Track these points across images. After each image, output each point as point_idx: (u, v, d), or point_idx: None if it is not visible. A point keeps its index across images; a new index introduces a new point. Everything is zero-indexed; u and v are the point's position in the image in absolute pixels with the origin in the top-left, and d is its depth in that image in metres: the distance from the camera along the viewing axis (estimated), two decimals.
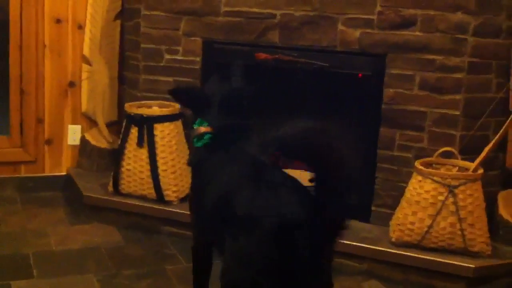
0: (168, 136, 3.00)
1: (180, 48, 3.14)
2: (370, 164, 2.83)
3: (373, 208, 2.85)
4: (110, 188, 3.09)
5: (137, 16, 3.21)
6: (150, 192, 2.99)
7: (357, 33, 2.78)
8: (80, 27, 3.48)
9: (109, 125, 3.54)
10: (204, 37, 3.08)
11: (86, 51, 3.49)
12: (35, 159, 3.52)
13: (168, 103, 3.12)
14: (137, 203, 3.01)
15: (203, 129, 1.98)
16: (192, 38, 3.10)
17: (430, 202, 2.50)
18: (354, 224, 2.82)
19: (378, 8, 2.74)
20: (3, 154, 3.47)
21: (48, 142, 3.54)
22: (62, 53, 3.48)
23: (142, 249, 2.83)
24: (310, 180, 2.91)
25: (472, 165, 2.56)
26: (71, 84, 3.53)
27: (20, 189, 3.45)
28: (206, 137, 1.97)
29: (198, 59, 3.11)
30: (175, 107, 3.07)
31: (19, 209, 3.23)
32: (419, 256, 2.53)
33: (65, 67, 3.50)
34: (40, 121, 3.49)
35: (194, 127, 2.02)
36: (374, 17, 2.75)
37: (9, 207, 3.23)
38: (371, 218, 2.85)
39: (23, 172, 3.51)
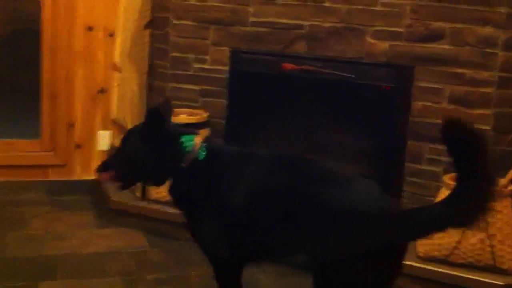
0: None
1: (208, 57, 3.05)
2: (397, 177, 2.69)
3: None
4: (138, 194, 3.00)
5: (166, 25, 3.13)
6: None
7: (384, 45, 2.66)
8: (111, 35, 3.41)
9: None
10: (232, 47, 2.98)
11: (116, 59, 3.42)
12: (65, 163, 3.45)
13: (195, 111, 3.02)
14: (163, 209, 2.91)
15: (199, 139, 1.83)
16: (220, 48, 3.01)
17: None
18: None
19: (406, 21, 2.61)
20: (33, 158, 3.41)
21: (78, 147, 3.47)
22: (93, 60, 3.42)
23: (166, 254, 2.73)
24: None
25: (502, 181, 2.41)
26: (102, 91, 3.46)
27: (49, 192, 3.37)
28: (203, 149, 1.82)
29: (225, 68, 3.01)
30: (203, 115, 2.98)
31: (47, 212, 3.15)
32: (447, 271, 2.38)
33: (96, 73, 3.44)
34: (70, 125, 3.43)
35: (187, 143, 1.82)
36: (402, 29, 2.63)
37: (36, 210, 3.15)
38: None
39: (53, 176, 3.44)
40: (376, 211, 1.59)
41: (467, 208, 1.53)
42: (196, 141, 1.83)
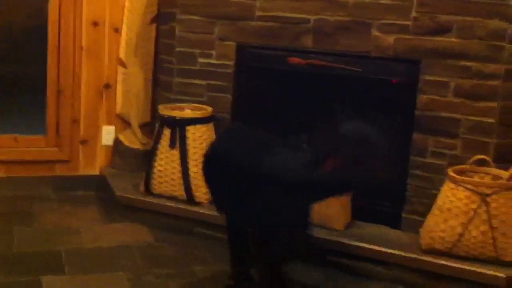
0: (200, 139, 3.05)
1: (214, 52, 3.18)
2: (402, 170, 2.82)
3: (404, 215, 2.84)
4: (142, 188, 3.15)
5: (173, 20, 3.28)
6: (181, 193, 3.04)
7: (391, 38, 2.79)
8: (117, 30, 3.56)
9: (142, 126, 3.61)
10: (238, 41, 3.12)
11: (122, 54, 3.57)
12: (70, 159, 3.61)
13: (200, 106, 3.17)
14: (168, 203, 3.06)
15: None
16: (226, 42, 3.15)
17: (462, 210, 2.49)
18: (383, 230, 2.84)
19: (414, 14, 2.74)
20: (39, 153, 3.57)
21: (83, 142, 3.63)
22: (98, 56, 3.57)
23: (173, 249, 2.87)
24: None
25: (506, 174, 2.53)
26: (107, 86, 3.61)
27: (54, 187, 3.54)
28: None
29: (231, 63, 3.15)
30: (208, 110, 3.12)
31: (53, 207, 3.31)
32: (449, 264, 2.51)
33: (101, 69, 3.59)
34: (75, 121, 3.59)
35: None
36: (410, 22, 2.75)
37: (43, 205, 3.31)
38: (401, 225, 2.84)
39: (58, 171, 3.60)
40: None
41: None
42: None
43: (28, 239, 2.87)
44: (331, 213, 2.79)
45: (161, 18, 3.52)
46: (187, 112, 3.15)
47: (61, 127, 3.58)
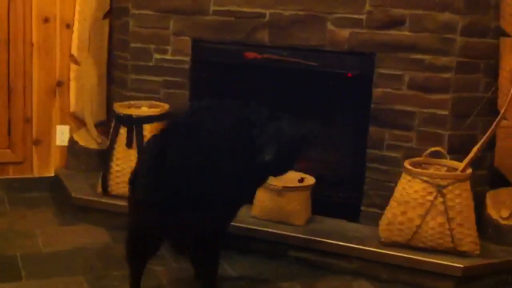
0: None
1: (169, 48, 3.16)
2: (359, 163, 2.87)
3: (362, 208, 2.89)
4: (99, 189, 3.12)
5: (126, 15, 3.24)
6: None
7: (346, 32, 2.82)
8: (68, 26, 3.50)
9: (97, 125, 3.56)
10: (193, 36, 3.11)
11: (74, 50, 3.51)
12: (23, 160, 3.54)
13: (157, 103, 3.15)
14: (125, 204, 3.02)
15: None
16: (181, 37, 3.13)
17: (419, 202, 2.55)
18: (343, 224, 2.89)
19: (367, 8, 2.78)
20: None
21: (36, 142, 3.56)
22: (50, 52, 3.50)
23: None
24: (299, 181, 2.98)
25: (460, 165, 2.60)
26: (59, 84, 3.55)
27: (8, 190, 3.46)
28: None
29: (187, 58, 3.14)
30: (164, 107, 3.10)
31: (7, 210, 3.25)
32: (408, 256, 2.57)
33: (53, 66, 3.53)
34: (28, 120, 3.52)
35: None
36: (363, 16, 2.79)
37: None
38: (360, 218, 2.89)
39: (11, 173, 3.53)
40: None
41: None
42: None
43: None
44: (291, 208, 2.82)
45: (114, 13, 3.47)
46: (144, 109, 3.13)
47: (13, 127, 3.50)
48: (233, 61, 3.06)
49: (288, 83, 3.04)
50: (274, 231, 2.78)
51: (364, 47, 2.80)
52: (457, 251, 2.56)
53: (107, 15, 3.52)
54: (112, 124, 3.12)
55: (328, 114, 3.04)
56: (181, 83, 3.16)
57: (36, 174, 3.58)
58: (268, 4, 2.94)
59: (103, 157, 3.17)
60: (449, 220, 2.52)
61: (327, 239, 2.72)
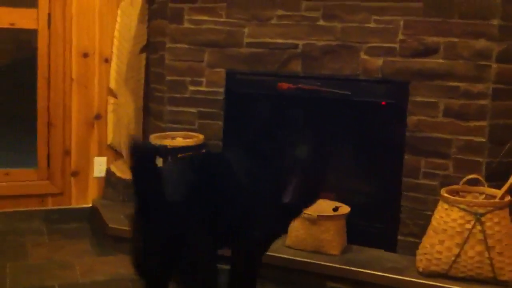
0: None
1: (204, 79, 3.24)
2: (395, 192, 2.86)
3: (399, 237, 2.86)
4: None
5: (162, 49, 3.34)
6: None
7: (379, 61, 2.85)
8: (107, 61, 3.62)
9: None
10: (227, 68, 3.18)
11: (112, 84, 3.63)
12: (62, 191, 3.64)
13: (192, 133, 3.21)
14: None
15: None
16: (216, 69, 3.21)
17: (457, 231, 2.52)
18: (380, 253, 2.86)
19: (400, 36, 2.81)
20: (30, 187, 3.59)
21: (74, 174, 3.66)
22: (88, 86, 3.62)
23: None
24: (334, 209, 2.98)
25: (499, 192, 2.57)
26: (97, 117, 3.66)
27: (46, 221, 3.55)
28: None
29: (221, 90, 3.21)
30: (199, 137, 3.16)
31: (46, 241, 3.32)
32: (447, 286, 2.53)
33: (92, 99, 3.64)
34: (67, 153, 3.62)
35: None
36: (396, 45, 2.81)
37: (35, 239, 3.32)
38: (397, 248, 2.87)
39: (50, 204, 3.63)
40: None
41: None
42: None
43: (22, 274, 2.87)
44: (326, 237, 2.82)
45: (151, 47, 3.58)
46: (179, 140, 3.19)
47: (52, 159, 3.61)
48: (266, 92, 3.10)
49: (321, 112, 3.06)
50: (311, 261, 2.78)
51: (398, 76, 2.82)
52: (498, 281, 2.50)
53: (143, 49, 3.63)
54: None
55: (362, 143, 3.05)
56: (215, 114, 3.22)
57: (74, 205, 3.66)
58: (300, 36, 2.99)
59: None
60: (488, 248, 2.48)
61: (365, 269, 2.69)
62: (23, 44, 3.82)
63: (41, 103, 3.57)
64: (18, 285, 2.77)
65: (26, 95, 3.64)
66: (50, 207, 3.63)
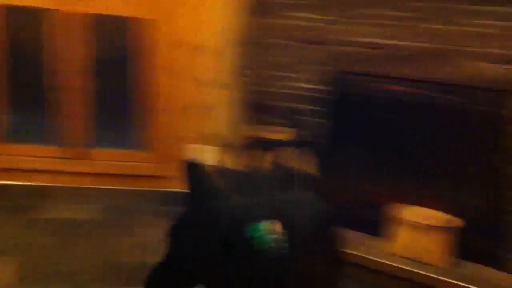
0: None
1: (307, 76, 3.22)
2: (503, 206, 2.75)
3: (505, 254, 2.76)
4: None
5: (265, 44, 3.35)
6: None
7: (497, 68, 2.71)
8: (215, 53, 3.71)
9: (231, 147, 3.74)
10: (332, 67, 3.13)
11: (217, 76, 3.72)
12: (175, 175, 3.82)
13: (287, 129, 3.24)
14: None
15: None
16: (319, 67, 3.17)
17: None
18: (488, 271, 2.75)
19: None
20: (145, 168, 3.84)
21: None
22: (197, 77, 3.74)
23: None
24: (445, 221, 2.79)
25: None
26: (204, 107, 3.79)
27: (159, 202, 3.74)
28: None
29: (323, 88, 3.17)
30: (293, 133, 3.21)
31: (158, 221, 3.48)
32: None
33: (200, 90, 3.76)
34: (178, 140, 3.79)
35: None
36: None
37: (148, 219, 3.51)
38: (500, 264, 2.76)
39: (162, 187, 3.82)
40: None
41: None
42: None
43: (135, 250, 3.06)
44: (435, 248, 2.78)
45: (253, 42, 3.54)
46: (276, 134, 3.22)
47: (165, 144, 3.80)
48: (371, 93, 3.05)
49: (429, 119, 2.96)
50: (421, 272, 2.74)
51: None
52: None
53: (248, 43, 3.64)
54: (248, 147, 3.29)
55: (472, 152, 2.89)
56: (315, 111, 3.21)
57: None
58: (413, 38, 2.89)
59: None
60: None
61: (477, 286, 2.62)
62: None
63: (156, 91, 3.74)
64: (130, 260, 2.96)
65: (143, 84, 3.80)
66: (162, 188, 3.83)
